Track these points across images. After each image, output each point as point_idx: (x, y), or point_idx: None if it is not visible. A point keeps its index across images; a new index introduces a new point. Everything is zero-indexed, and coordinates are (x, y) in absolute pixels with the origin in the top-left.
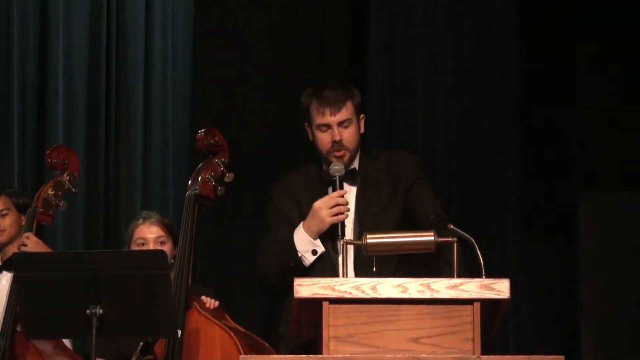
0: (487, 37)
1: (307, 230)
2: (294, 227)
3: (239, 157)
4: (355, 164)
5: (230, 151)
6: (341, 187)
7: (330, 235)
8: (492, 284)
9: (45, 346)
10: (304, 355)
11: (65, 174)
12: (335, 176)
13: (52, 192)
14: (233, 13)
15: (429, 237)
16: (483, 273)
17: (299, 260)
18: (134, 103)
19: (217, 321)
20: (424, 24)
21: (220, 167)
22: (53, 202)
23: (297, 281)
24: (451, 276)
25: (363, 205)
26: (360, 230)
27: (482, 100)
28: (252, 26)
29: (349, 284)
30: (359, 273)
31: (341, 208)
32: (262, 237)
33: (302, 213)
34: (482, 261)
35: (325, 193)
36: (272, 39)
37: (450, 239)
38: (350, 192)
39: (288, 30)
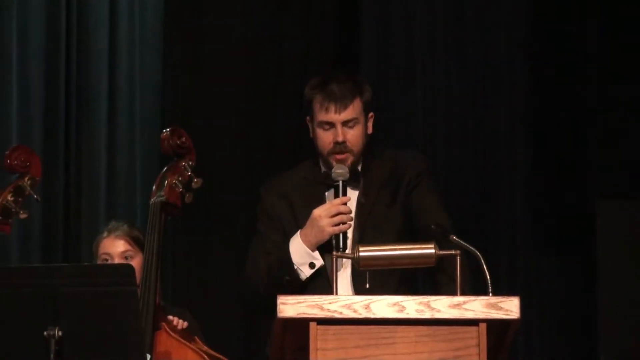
0: (495, 32)
1: (305, 241)
2: (286, 233)
3: (213, 156)
4: (358, 166)
5: (203, 150)
6: (344, 193)
7: (328, 247)
8: (500, 302)
9: None
10: None
11: (27, 178)
12: (338, 180)
13: (12, 199)
14: None
15: (429, 249)
16: (490, 290)
17: (295, 274)
18: (97, 98)
19: (189, 344)
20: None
21: (188, 172)
22: (13, 210)
23: (281, 299)
24: (454, 293)
25: (364, 212)
26: (360, 242)
27: (489, 99)
28: (227, 11)
29: (339, 302)
30: (358, 290)
31: (343, 217)
32: (250, 243)
33: (295, 218)
34: (488, 277)
35: (322, 197)
36: (250, 25)
37: (453, 252)
38: (351, 197)
39: (269, 17)
